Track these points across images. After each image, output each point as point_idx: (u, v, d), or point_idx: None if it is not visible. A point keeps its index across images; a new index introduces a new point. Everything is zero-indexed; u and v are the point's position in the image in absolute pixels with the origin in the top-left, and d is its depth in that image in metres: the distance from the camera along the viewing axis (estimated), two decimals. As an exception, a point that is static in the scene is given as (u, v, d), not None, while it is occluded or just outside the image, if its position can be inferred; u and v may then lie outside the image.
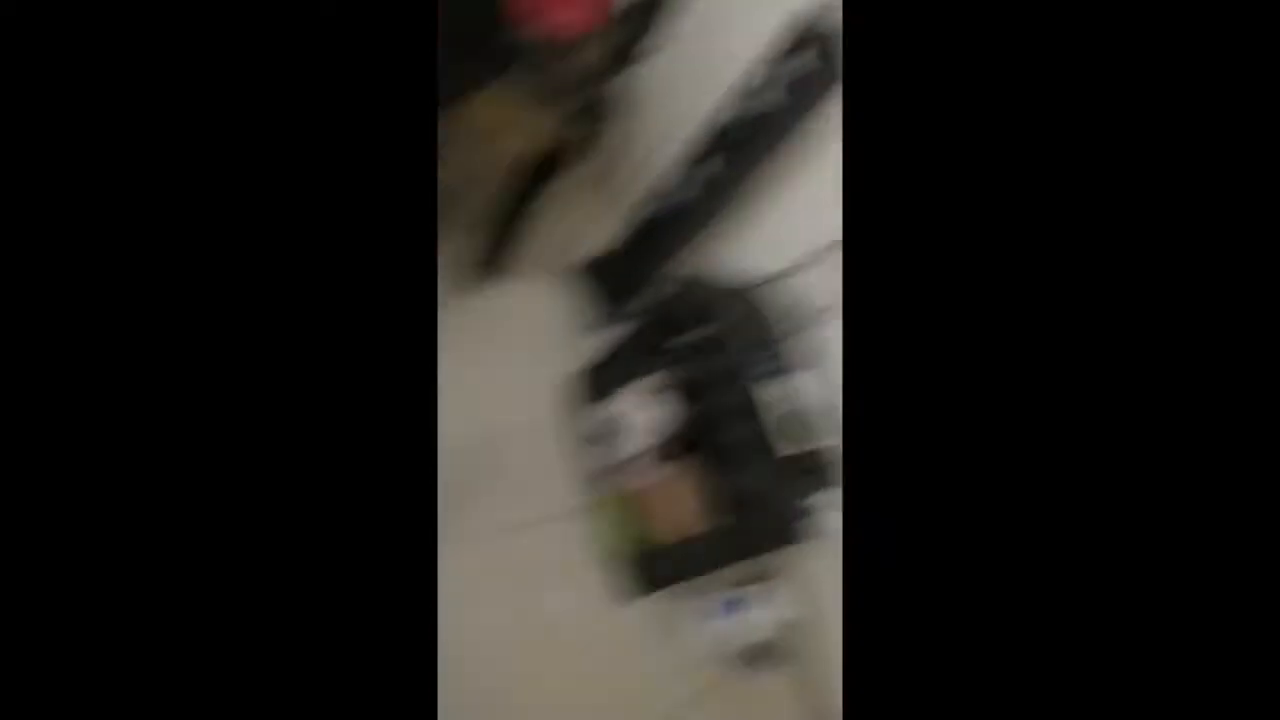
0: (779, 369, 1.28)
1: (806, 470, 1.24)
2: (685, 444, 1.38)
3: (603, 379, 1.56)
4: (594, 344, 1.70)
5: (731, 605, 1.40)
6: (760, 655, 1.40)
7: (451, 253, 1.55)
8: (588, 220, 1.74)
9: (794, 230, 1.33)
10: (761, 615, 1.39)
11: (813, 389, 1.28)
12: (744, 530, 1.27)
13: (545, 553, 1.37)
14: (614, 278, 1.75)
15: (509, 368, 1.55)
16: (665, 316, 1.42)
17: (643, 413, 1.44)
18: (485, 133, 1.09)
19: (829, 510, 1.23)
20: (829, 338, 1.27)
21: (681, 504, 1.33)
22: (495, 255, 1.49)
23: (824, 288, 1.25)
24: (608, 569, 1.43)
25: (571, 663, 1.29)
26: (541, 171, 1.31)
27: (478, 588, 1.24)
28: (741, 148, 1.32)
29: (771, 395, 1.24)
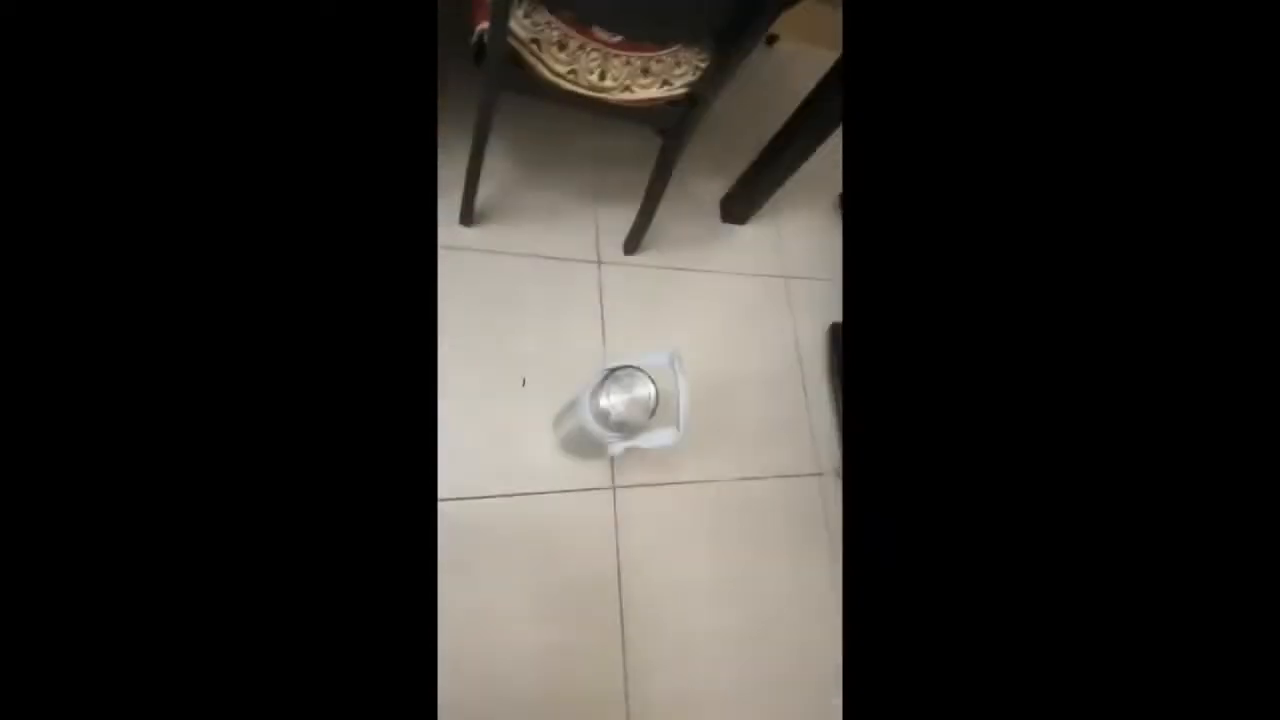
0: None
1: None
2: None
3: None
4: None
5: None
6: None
7: (715, 184, 1.45)
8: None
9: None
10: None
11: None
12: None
13: (787, 512, 1.27)
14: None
15: (765, 312, 1.43)
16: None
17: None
18: (810, 32, 0.93)
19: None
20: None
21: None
22: (763, 184, 1.35)
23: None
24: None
25: (802, 626, 1.19)
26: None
27: (709, 538, 1.19)
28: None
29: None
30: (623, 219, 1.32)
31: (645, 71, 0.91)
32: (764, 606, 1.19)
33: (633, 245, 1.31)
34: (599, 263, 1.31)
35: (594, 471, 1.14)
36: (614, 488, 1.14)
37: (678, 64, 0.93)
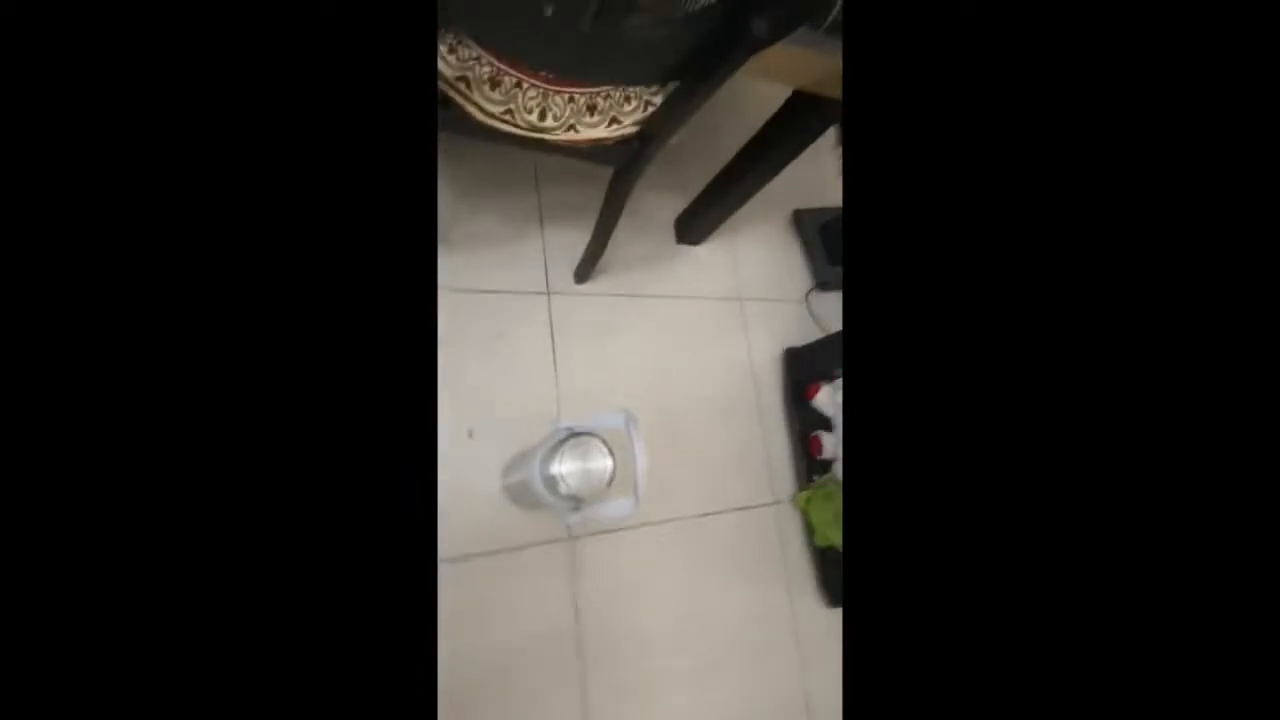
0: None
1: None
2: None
3: (822, 358, 1.32)
4: (814, 316, 1.45)
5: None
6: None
7: (671, 204, 1.36)
8: (824, 175, 1.42)
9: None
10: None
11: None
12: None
13: (745, 545, 1.23)
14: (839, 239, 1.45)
15: (719, 336, 1.36)
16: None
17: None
18: (771, 71, 0.85)
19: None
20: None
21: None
22: (720, 209, 1.26)
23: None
24: (815, 567, 1.25)
25: (762, 660, 1.17)
26: (810, 110, 1.02)
27: (669, 578, 1.14)
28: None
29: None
30: (572, 242, 1.21)
31: (591, 109, 0.80)
32: (725, 642, 1.16)
33: (584, 273, 1.21)
34: (548, 294, 1.20)
35: (548, 524, 1.06)
36: (570, 539, 1.07)
37: (627, 100, 0.82)
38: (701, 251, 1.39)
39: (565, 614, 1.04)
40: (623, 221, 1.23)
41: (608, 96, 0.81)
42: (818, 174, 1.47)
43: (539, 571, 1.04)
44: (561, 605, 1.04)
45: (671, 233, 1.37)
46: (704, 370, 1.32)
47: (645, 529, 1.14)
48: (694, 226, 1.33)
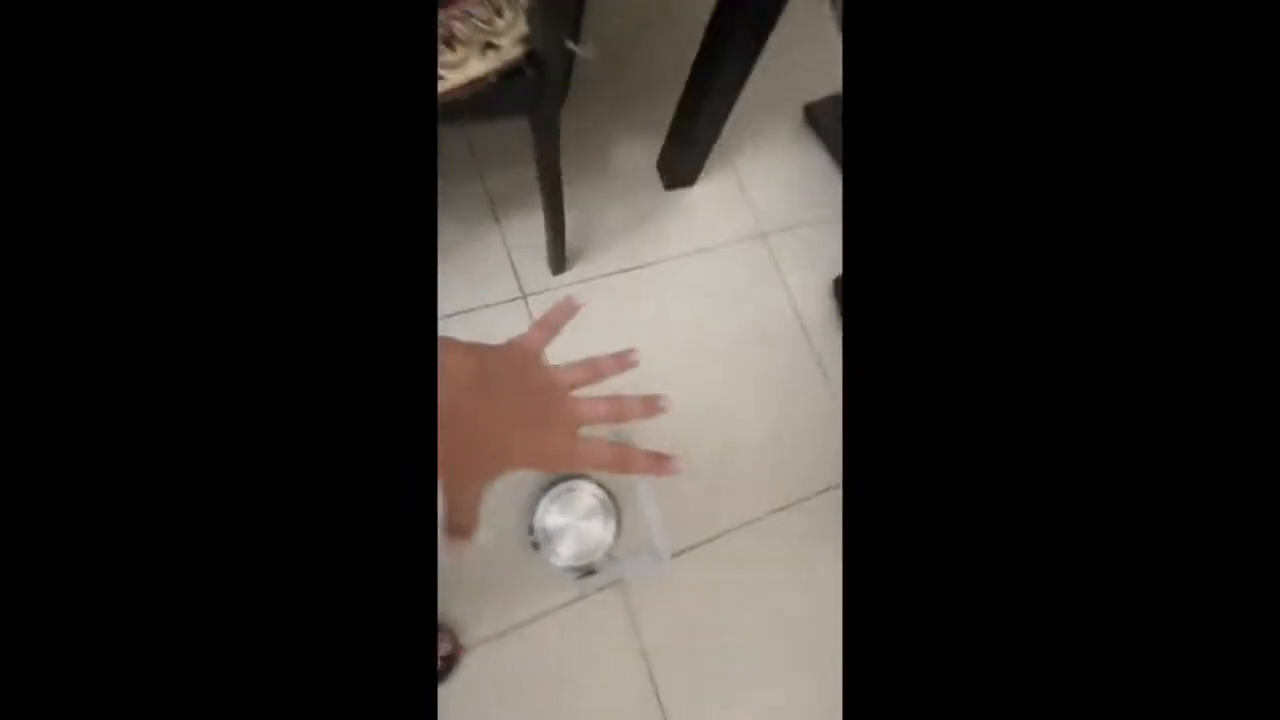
0: None
1: None
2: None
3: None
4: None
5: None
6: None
7: (652, 139, 1.08)
8: (829, 52, 1.08)
9: None
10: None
11: None
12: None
13: (829, 534, 0.97)
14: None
15: (745, 287, 1.08)
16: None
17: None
18: None
19: None
20: None
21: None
22: (701, 130, 0.97)
23: None
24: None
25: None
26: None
27: (744, 597, 0.91)
28: None
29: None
30: (538, 230, 0.98)
31: (449, 43, 0.56)
32: (823, 660, 0.91)
33: (559, 262, 0.97)
34: (524, 296, 0.98)
35: (587, 569, 0.86)
36: (620, 580, 0.86)
37: (497, 13, 0.56)
38: (699, 192, 1.11)
39: (637, 669, 0.84)
40: (594, 184, 0.97)
41: (467, 17, 0.55)
42: (820, 53, 1.12)
43: (596, 626, 0.84)
44: (630, 659, 0.84)
45: (657, 180, 1.09)
46: (739, 331, 1.05)
47: (704, 549, 0.91)
48: (681, 164, 1.04)
